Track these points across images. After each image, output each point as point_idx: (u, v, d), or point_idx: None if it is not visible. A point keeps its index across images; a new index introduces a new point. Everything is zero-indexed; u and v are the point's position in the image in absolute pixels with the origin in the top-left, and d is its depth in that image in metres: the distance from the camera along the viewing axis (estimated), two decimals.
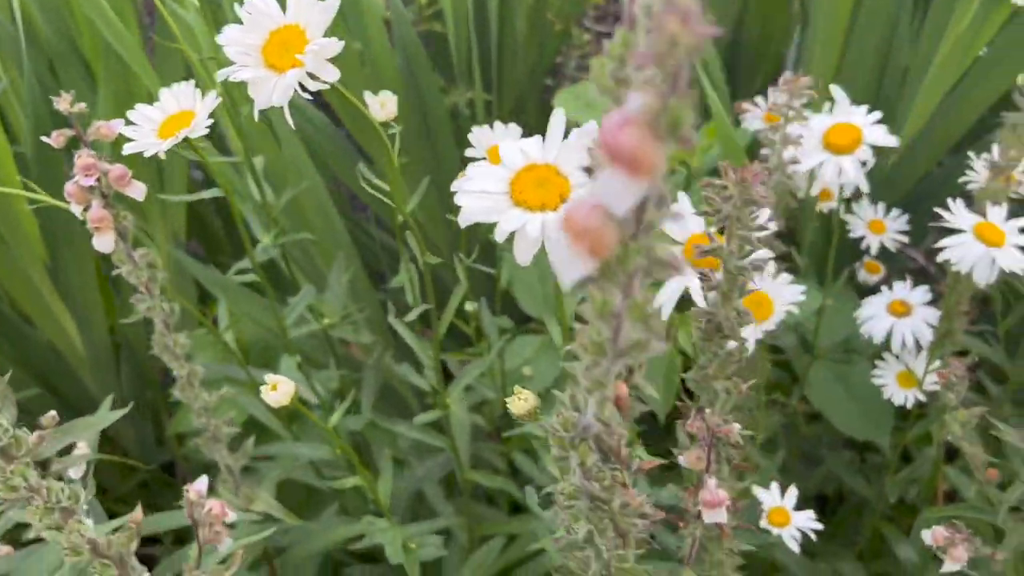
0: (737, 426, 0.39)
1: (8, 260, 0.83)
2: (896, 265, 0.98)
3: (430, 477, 0.72)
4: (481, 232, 0.74)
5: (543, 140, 0.34)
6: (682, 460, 0.42)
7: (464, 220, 0.34)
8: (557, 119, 0.34)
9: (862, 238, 0.82)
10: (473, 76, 1.02)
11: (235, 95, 0.62)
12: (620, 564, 0.34)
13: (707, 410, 0.39)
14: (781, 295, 0.52)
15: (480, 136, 0.53)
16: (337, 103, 0.81)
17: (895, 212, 0.84)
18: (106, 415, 0.55)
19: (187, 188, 0.94)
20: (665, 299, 0.41)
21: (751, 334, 0.52)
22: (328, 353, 0.78)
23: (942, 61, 0.86)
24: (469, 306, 0.70)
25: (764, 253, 0.34)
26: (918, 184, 0.96)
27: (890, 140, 0.59)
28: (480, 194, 0.32)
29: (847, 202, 0.83)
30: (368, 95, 0.56)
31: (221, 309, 0.68)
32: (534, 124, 1.08)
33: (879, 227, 0.83)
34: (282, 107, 0.42)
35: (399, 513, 0.77)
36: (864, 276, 0.86)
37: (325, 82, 0.42)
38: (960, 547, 0.48)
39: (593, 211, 0.17)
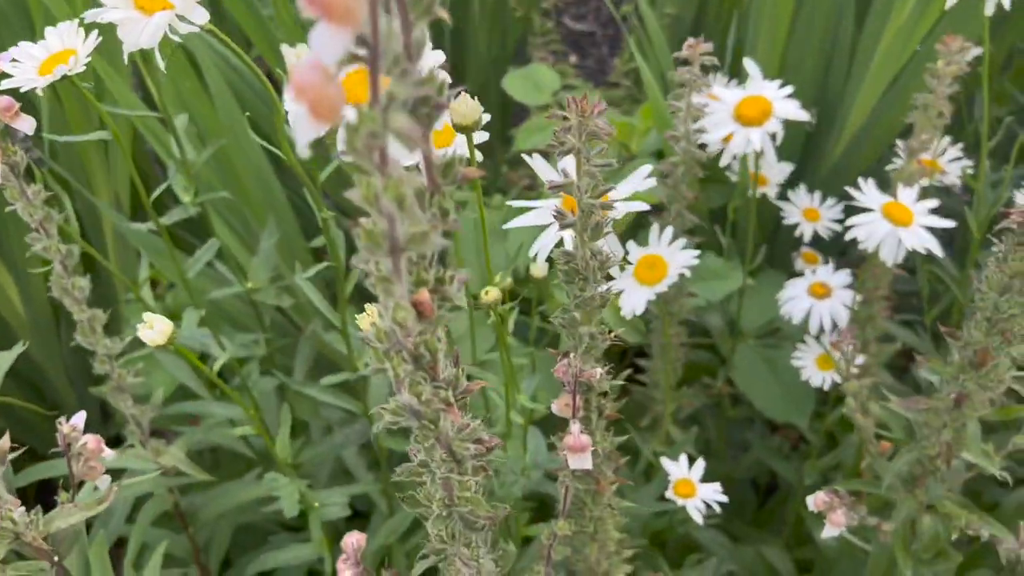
0: (600, 371, 0.39)
1: None
2: (849, 259, 0.99)
3: (348, 443, 0.72)
4: None
5: None
6: (554, 407, 0.42)
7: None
8: None
9: (796, 225, 0.83)
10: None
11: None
12: (462, 492, 0.34)
13: (572, 355, 0.39)
14: (675, 259, 0.52)
15: None
16: (276, 66, 0.81)
17: (831, 201, 0.84)
18: (9, 352, 0.55)
19: (135, 157, 0.94)
20: (541, 245, 0.42)
21: (642, 295, 0.53)
22: (255, 319, 0.78)
23: (883, 53, 0.86)
24: None
25: (615, 193, 0.34)
26: (862, 176, 0.97)
27: (801, 114, 0.59)
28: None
29: (783, 189, 0.84)
30: (285, 47, 0.56)
31: (142, 264, 0.68)
32: (495, 111, 1.08)
33: (814, 215, 0.84)
34: (209, 63, 0.42)
35: (321, 480, 0.77)
36: (800, 265, 0.87)
37: (195, 25, 0.42)
38: (839, 512, 0.48)
39: (312, 67, 0.17)
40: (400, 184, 0.20)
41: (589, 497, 0.45)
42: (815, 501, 0.49)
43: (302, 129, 0.18)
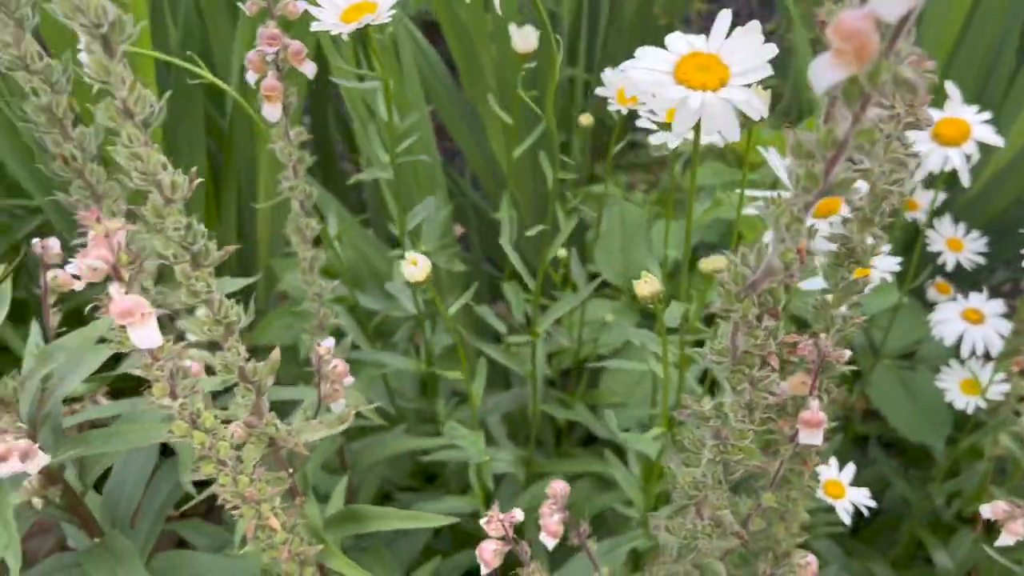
0: (848, 352, 0.42)
1: None
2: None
3: (496, 410, 0.75)
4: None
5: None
6: (784, 386, 0.44)
7: (631, 91, 0.37)
8: (724, 17, 0.38)
9: (939, 253, 0.85)
10: (577, 57, 1.06)
11: None
12: (738, 441, 0.37)
13: (821, 335, 0.42)
14: (879, 263, 0.55)
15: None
16: (457, 49, 0.85)
17: (974, 234, 0.86)
18: (243, 279, 0.58)
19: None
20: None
21: None
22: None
23: None
24: (561, 251, 0.74)
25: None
26: (1002, 213, 0.97)
27: (997, 139, 0.61)
28: (647, 70, 0.36)
29: (930, 216, 0.86)
30: (512, 27, 0.60)
31: (330, 225, 0.72)
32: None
33: (957, 245, 0.85)
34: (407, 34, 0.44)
35: None
36: (933, 295, 0.88)
37: None
38: (1020, 521, 0.50)
39: (865, 17, 0.20)
40: (873, 131, 0.23)
41: (795, 476, 0.48)
42: (994, 510, 0.51)
43: (832, 69, 0.21)
